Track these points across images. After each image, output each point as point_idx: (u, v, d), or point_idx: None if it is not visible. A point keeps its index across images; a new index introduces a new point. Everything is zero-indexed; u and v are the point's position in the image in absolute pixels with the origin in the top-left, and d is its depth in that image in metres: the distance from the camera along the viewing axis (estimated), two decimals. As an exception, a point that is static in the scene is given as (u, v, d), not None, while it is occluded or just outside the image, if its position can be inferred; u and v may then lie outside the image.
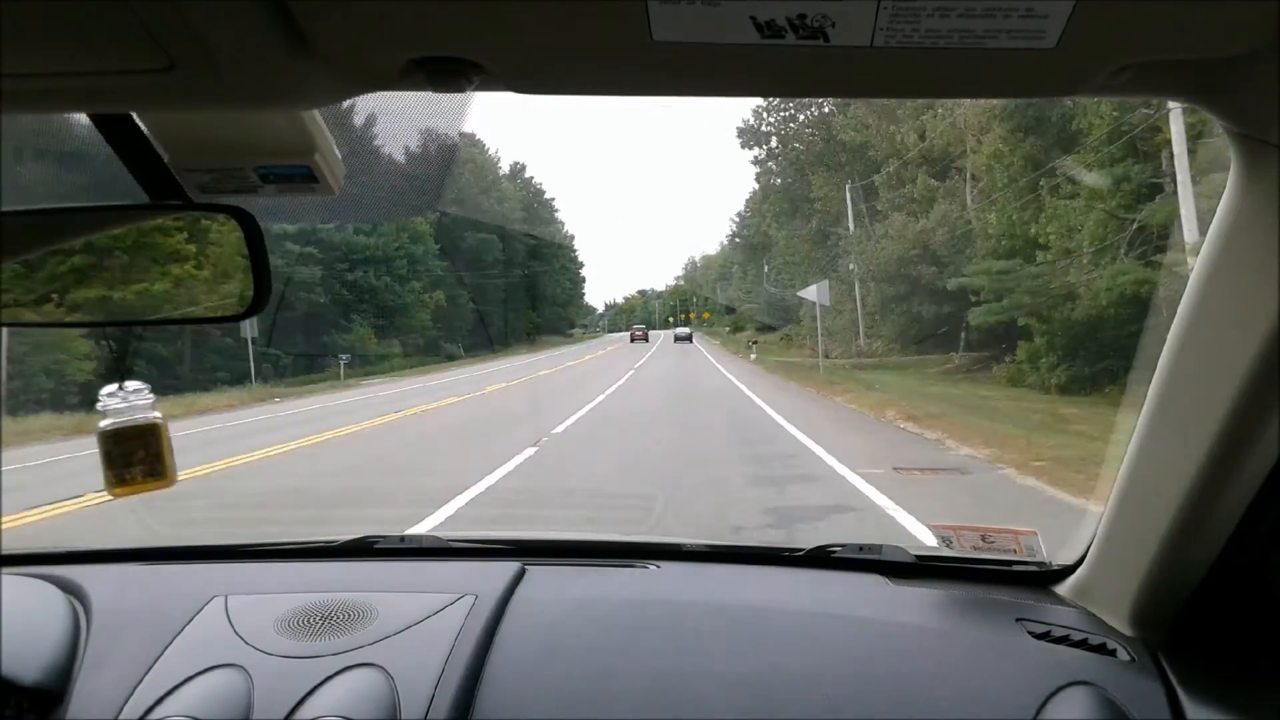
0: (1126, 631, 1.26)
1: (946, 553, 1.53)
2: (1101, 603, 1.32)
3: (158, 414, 1.11)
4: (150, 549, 1.72)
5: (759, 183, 43.77)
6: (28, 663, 1.22)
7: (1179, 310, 1.00)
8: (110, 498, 1.10)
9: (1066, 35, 0.61)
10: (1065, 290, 16.17)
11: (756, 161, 41.98)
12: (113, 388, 1.10)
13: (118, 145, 0.90)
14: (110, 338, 1.12)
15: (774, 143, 39.87)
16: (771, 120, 39.43)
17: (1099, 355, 15.33)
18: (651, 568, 1.58)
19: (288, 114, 0.87)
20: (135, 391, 1.10)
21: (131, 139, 0.89)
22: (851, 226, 29.80)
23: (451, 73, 0.66)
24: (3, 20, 0.57)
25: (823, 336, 24.68)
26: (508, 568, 1.48)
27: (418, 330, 38.65)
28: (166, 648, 1.28)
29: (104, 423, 1.08)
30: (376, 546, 1.69)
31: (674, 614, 1.37)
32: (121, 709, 1.18)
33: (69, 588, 1.42)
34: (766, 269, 49.13)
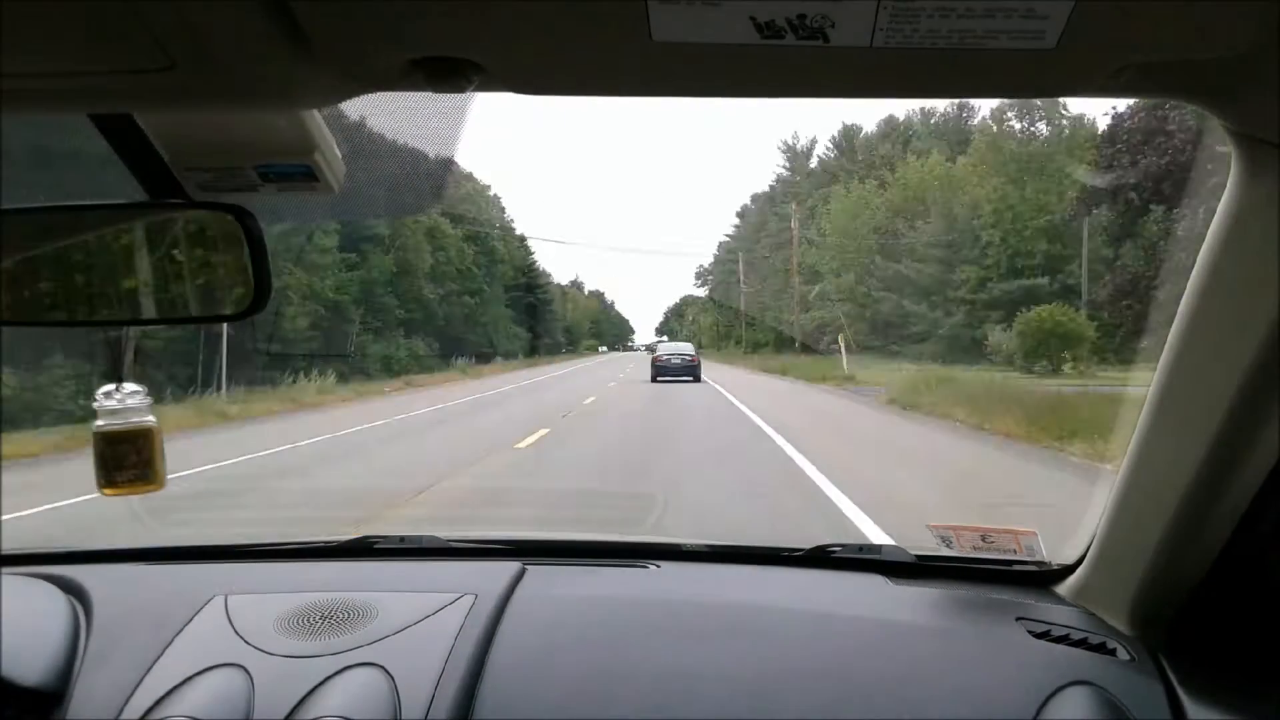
0: (1126, 631, 1.26)
1: (946, 553, 1.53)
2: (1101, 602, 1.32)
3: (151, 418, 1.11)
4: (150, 549, 1.73)
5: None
6: (28, 663, 1.22)
7: (1179, 310, 1.00)
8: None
9: (1066, 35, 0.61)
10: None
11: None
12: (109, 388, 1.10)
13: (118, 145, 0.90)
14: (109, 337, 1.12)
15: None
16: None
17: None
18: (651, 568, 1.58)
19: (288, 114, 0.87)
20: (131, 394, 1.10)
21: (131, 139, 0.89)
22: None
23: (451, 73, 0.66)
24: (3, 20, 0.57)
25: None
26: (507, 567, 1.48)
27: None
28: (167, 648, 1.28)
29: (98, 423, 1.08)
30: (376, 546, 1.70)
31: (673, 614, 1.37)
32: (122, 709, 1.18)
33: (69, 588, 1.42)
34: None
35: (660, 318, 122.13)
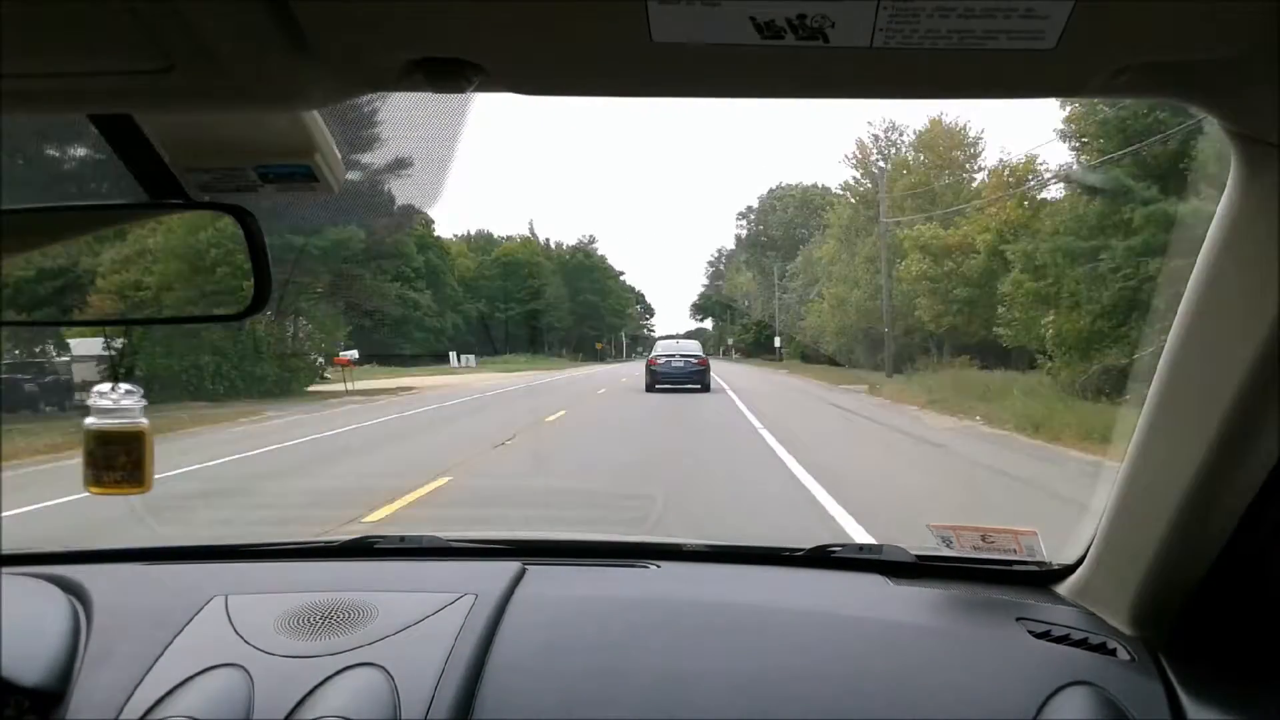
0: (1127, 631, 1.26)
1: (946, 552, 1.53)
2: (1102, 602, 1.32)
3: (144, 420, 1.11)
4: (150, 549, 1.72)
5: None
6: (28, 663, 1.22)
7: (1179, 311, 1.00)
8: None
9: (1066, 36, 0.61)
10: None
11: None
12: (105, 388, 1.10)
13: (118, 145, 0.90)
14: (110, 337, 1.13)
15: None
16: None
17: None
18: (651, 567, 1.58)
19: (288, 114, 0.87)
20: (127, 394, 1.10)
21: (131, 139, 0.89)
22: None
23: (451, 73, 0.66)
24: (3, 21, 0.57)
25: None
26: (507, 567, 1.48)
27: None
28: (167, 648, 1.28)
29: (90, 421, 1.09)
30: (376, 546, 1.70)
31: (674, 613, 1.37)
32: (122, 709, 1.18)
33: (69, 588, 1.42)
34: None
35: (696, 296, 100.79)
